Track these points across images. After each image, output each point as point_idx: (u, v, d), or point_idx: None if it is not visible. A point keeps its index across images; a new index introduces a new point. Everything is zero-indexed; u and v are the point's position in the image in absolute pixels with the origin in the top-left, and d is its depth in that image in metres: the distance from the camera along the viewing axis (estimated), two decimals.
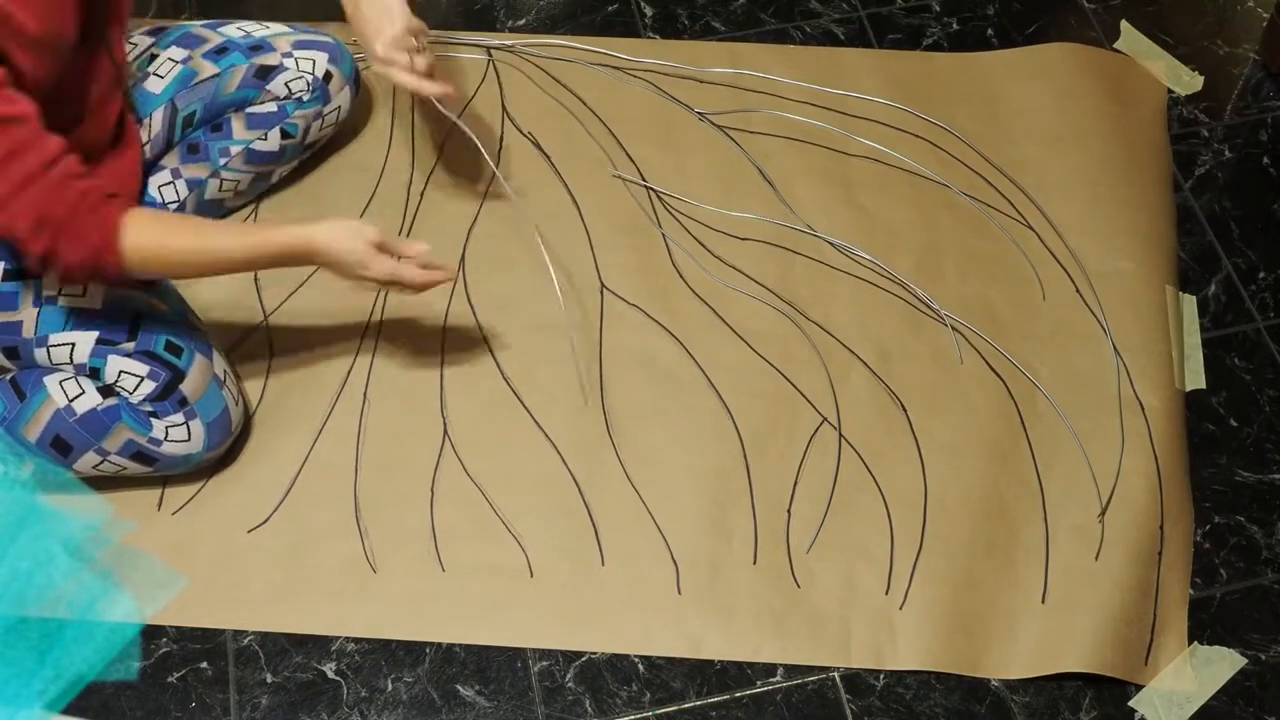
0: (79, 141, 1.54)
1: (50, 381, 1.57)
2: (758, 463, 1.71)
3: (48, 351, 1.57)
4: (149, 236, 1.45)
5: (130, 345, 1.56)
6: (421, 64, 1.69)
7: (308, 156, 1.91)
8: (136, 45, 1.80)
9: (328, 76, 1.83)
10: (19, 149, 1.37)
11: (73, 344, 1.56)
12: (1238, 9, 2.21)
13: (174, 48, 1.79)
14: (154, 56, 1.79)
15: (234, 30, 1.81)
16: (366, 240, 1.53)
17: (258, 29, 1.82)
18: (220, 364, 1.64)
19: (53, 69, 1.44)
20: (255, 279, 1.83)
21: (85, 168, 1.44)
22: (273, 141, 1.81)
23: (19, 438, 1.58)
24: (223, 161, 1.80)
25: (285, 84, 1.80)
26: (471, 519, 1.66)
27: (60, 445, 1.58)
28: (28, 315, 1.56)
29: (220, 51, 1.79)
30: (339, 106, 1.87)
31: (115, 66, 1.61)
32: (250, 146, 1.81)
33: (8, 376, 1.60)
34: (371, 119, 2.01)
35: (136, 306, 1.58)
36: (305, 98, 1.82)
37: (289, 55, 1.81)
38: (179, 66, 1.78)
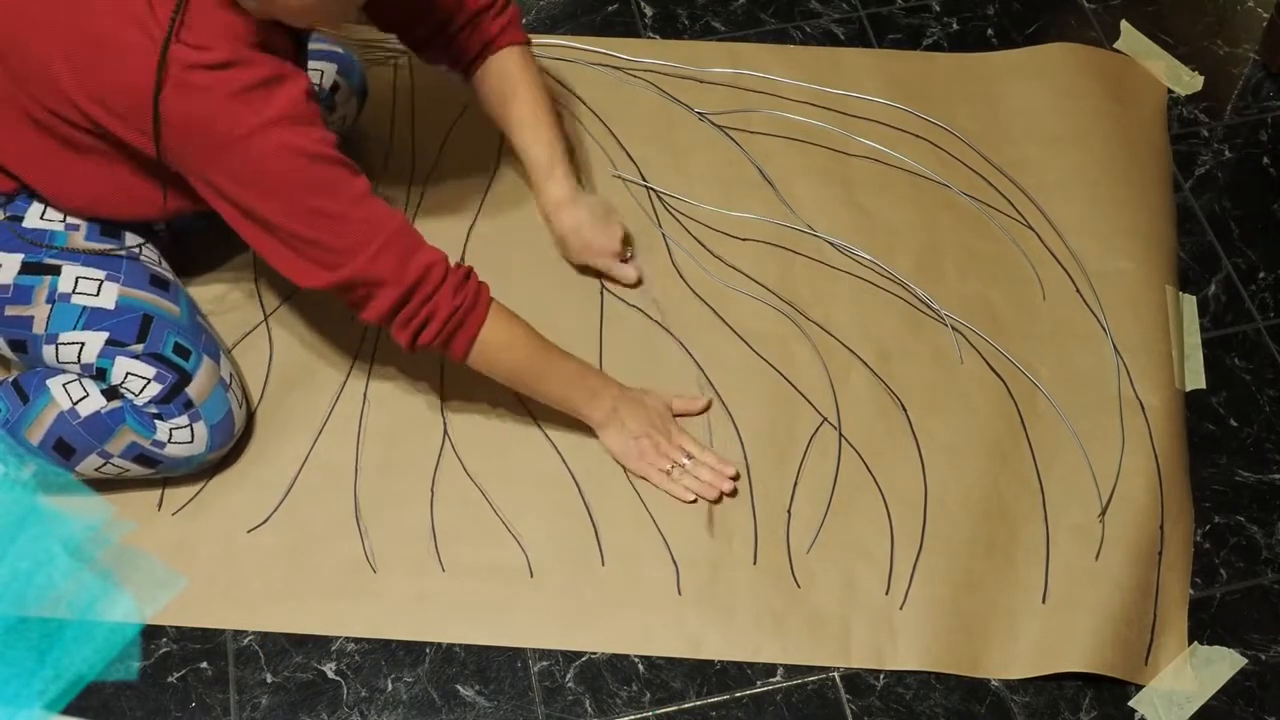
0: None
1: (54, 384, 1.57)
2: (758, 463, 1.71)
3: (56, 349, 1.57)
4: (502, 334, 1.58)
5: (139, 347, 1.56)
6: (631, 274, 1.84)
7: None
8: None
9: (335, 88, 1.84)
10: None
11: (82, 343, 1.56)
12: (1238, 9, 2.21)
13: None
14: None
15: None
16: (665, 405, 1.71)
17: None
18: (227, 366, 1.64)
19: None
20: (255, 278, 1.83)
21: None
22: None
23: (21, 441, 1.58)
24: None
25: None
26: (471, 519, 1.66)
27: (63, 448, 1.58)
28: (40, 311, 1.56)
29: None
30: (344, 116, 1.88)
31: None
32: None
33: (10, 379, 1.60)
34: (372, 120, 2.01)
35: (147, 308, 1.58)
36: None
37: None
38: None
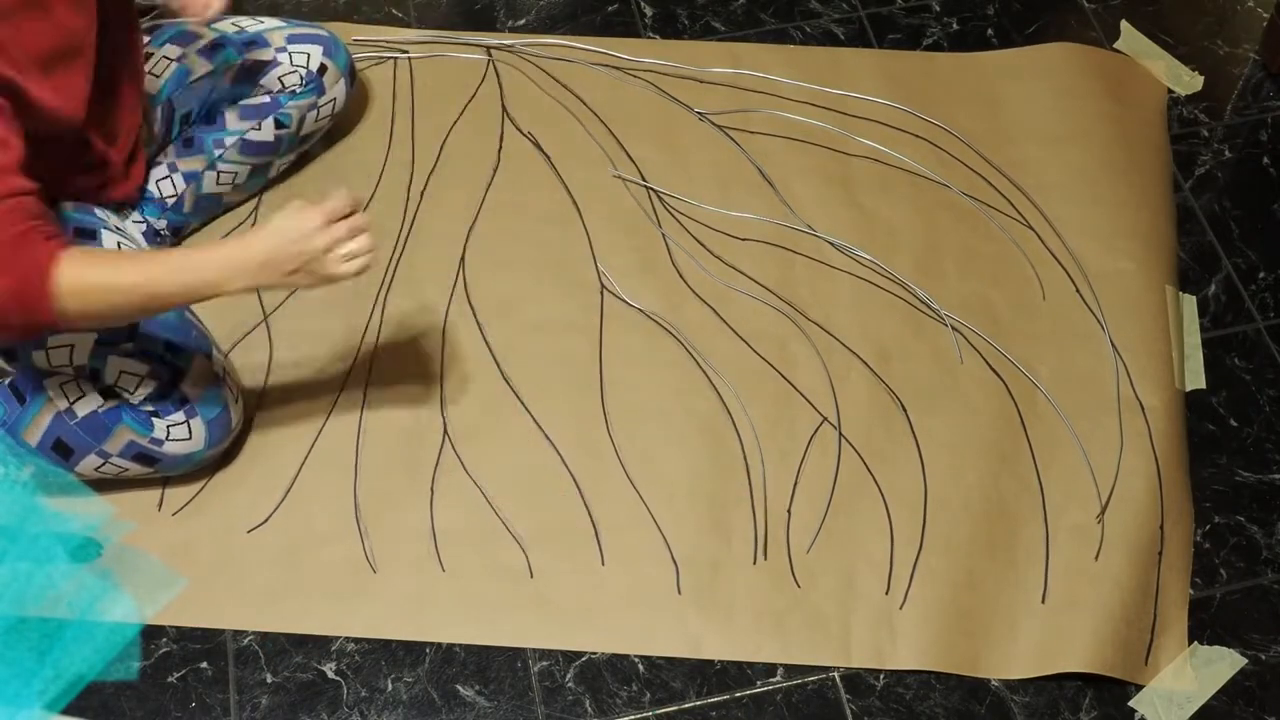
0: (109, 161, 1.61)
1: (51, 385, 1.57)
2: (758, 463, 1.71)
3: (46, 354, 1.57)
4: (89, 272, 1.35)
5: (130, 345, 1.56)
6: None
7: (305, 152, 1.92)
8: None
9: (322, 69, 1.84)
10: None
11: (71, 345, 1.56)
12: (1238, 9, 2.21)
13: (169, 45, 1.79)
14: (149, 55, 1.79)
15: (228, 26, 1.81)
16: (305, 218, 1.39)
17: (251, 24, 1.83)
18: (219, 361, 1.64)
19: (76, 96, 1.46)
20: None
21: (45, 212, 1.37)
22: (267, 132, 1.81)
23: (20, 442, 1.58)
24: (218, 153, 1.80)
25: (279, 78, 1.80)
26: (471, 519, 1.66)
27: (61, 449, 1.57)
28: None
29: (214, 48, 1.79)
30: (334, 98, 1.87)
31: (141, 94, 1.65)
32: (244, 137, 1.81)
33: (6, 381, 1.60)
34: (371, 120, 2.01)
35: None
36: (299, 90, 1.82)
37: (283, 50, 1.81)
38: (174, 64, 1.78)
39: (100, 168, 1.63)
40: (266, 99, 1.81)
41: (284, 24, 1.85)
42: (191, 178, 1.80)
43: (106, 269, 1.37)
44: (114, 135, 1.62)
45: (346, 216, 1.41)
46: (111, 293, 1.35)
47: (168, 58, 1.78)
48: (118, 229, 1.68)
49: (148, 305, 1.39)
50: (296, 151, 1.89)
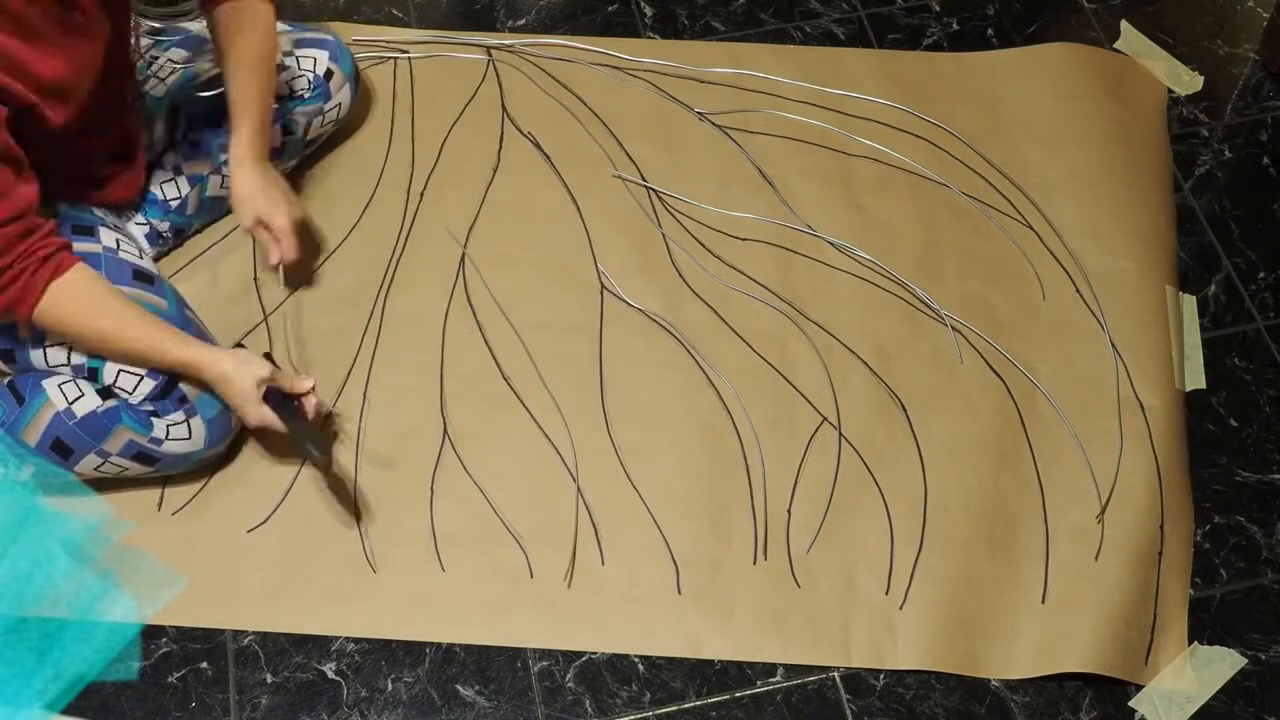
0: (100, 153, 1.62)
1: (49, 385, 1.57)
2: (757, 463, 1.71)
3: (44, 353, 1.57)
4: (66, 312, 1.48)
5: None
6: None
7: (309, 155, 1.92)
8: (138, 49, 1.80)
9: (329, 74, 1.84)
10: None
11: (70, 345, 1.56)
12: (1238, 9, 2.21)
13: (175, 50, 1.79)
14: (155, 59, 1.79)
15: None
16: (253, 381, 1.54)
17: None
18: None
19: (77, 109, 1.47)
20: (255, 278, 1.83)
21: (44, 222, 1.46)
22: (273, 137, 1.81)
23: (19, 442, 1.58)
24: (223, 158, 1.80)
25: (287, 83, 1.80)
26: (471, 519, 1.66)
27: (61, 449, 1.57)
28: None
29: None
30: (339, 103, 1.88)
31: (137, 89, 1.65)
32: None
33: (5, 381, 1.60)
34: (371, 120, 2.01)
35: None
36: (306, 95, 1.82)
37: (289, 54, 1.82)
38: (180, 69, 1.78)
39: (92, 165, 1.62)
40: (273, 104, 1.80)
41: (290, 28, 1.85)
42: (196, 181, 1.80)
43: (84, 313, 1.49)
44: (105, 132, 1.62)
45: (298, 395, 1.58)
46: (81, 331, 1.50)
47: (173, 62, 1.78)
48: (115, 226, 1.68)
49: (105, 352, 1.54)
50: (300, 156, 1.89)
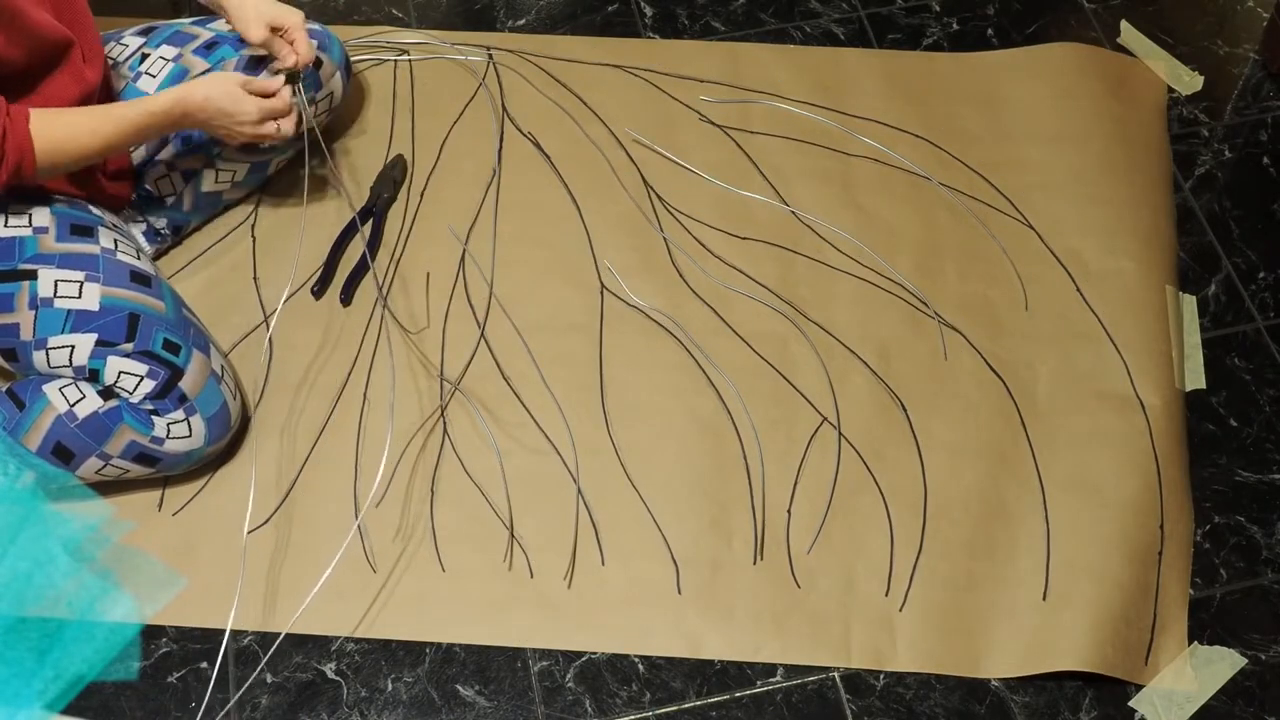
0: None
1: (50, 389, 1.57)
2: (757, 463, 1.71)
3: (46, 354, 1.57)
4: (54, 127, 1.51)
5: (129, 345, 1.56)
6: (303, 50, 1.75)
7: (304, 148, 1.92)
8: (128, 46, 1.80)
9: (318, 63, 1.83)
10: None
11: (72, 346, 1.56)
12: (1238, 9, 2.21)
13: (164, 46, 1.79)
14: (145, 56, 1.79)
15: (223, 25, 1.81)
16: (234, 83, 1.63)
17: None
18: (217, 359, 1.65)
19: (21, 50, 1.50)
20: (255, 278, 1.83)
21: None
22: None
23: (19, 448, 1.58)
24: (217, 151, 1.80)
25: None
26: (471, 519, 1.66)
27: (62, 453, 1.57)
28: (25, 317, 1.56)
29: (210, 46, 1.79)
30: (331, 93, 1.87)
31: (111, 92, 1.67)
32: None
33: (5, 387, 1.60)
34: (371, 119, 2.01)
35: (133, 306, 1.58)
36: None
37: None
38: (170, 65, 1.78)
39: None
40: None
41: None
42: (190, 176, 1.81)
43: (67, 121, 1.53)
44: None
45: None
46: (79, 134, 1.53)
47: (164, 58, 1.78)
48: (114, 226, 1.68)
49: (108, 150, 1.57)
50: (295, 148, 1.89)
